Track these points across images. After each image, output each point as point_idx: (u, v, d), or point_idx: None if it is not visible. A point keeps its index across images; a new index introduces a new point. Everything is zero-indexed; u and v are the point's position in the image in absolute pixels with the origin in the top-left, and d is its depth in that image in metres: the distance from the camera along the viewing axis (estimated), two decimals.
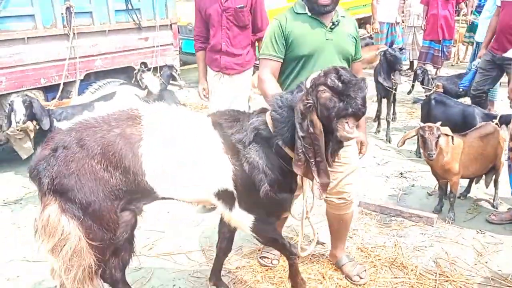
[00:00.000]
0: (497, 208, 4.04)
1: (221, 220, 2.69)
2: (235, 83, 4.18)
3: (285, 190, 2.38)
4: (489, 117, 4.47)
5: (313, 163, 2.15)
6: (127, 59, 5.98)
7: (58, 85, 5.20)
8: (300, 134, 2.13)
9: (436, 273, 3.15)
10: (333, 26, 2.67)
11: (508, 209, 3.96)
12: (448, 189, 3.96)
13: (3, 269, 3.37)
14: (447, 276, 3.13)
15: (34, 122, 4.50)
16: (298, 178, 2.38)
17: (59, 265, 2.28)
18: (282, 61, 2.72)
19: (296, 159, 2.16)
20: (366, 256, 3.37)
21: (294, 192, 2.47)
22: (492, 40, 5.40)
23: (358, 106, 2.11)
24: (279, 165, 2.29)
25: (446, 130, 3.63)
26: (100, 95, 5.02)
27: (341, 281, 3.10)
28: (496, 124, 4.09)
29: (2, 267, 3.40)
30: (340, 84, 2.10)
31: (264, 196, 2.27)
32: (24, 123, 4.32)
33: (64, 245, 2.22)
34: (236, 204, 2.38)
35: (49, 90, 5.31)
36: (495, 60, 5.28)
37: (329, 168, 2.22)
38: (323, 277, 3.13)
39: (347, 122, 2.12)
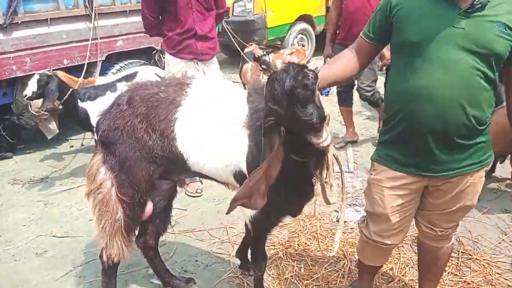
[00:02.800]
0: None
1: None
2: (212, 69, 3.93)
3: (291, 188, 2.14)
4: None
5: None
6: (148, 39, 5.97)
7: (81, 66, 5.26)
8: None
9: (458, 251, 3.12)
10: (470, 10, 1.82)
11: None
12: None
13: (31, 245, 3.48)
14: (470, 254, 3.11)
15: (58, 102, 4.55)
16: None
17: (94, 215, 2.42)
18: (374, 43, 2.13)
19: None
20: None
21: (305, 194, 2.24)
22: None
23: None
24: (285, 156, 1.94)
25: None
26: (122, 75, 5.06)
27: None
28: None
29: (30, 242, 3.51)
30: None
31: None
32: (31, 99, 4.35)
33: (98, 194, 2.36)
34: None
35: (72, 71, 5.36)
36: None
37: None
38: (343, 246, 3.17)
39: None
